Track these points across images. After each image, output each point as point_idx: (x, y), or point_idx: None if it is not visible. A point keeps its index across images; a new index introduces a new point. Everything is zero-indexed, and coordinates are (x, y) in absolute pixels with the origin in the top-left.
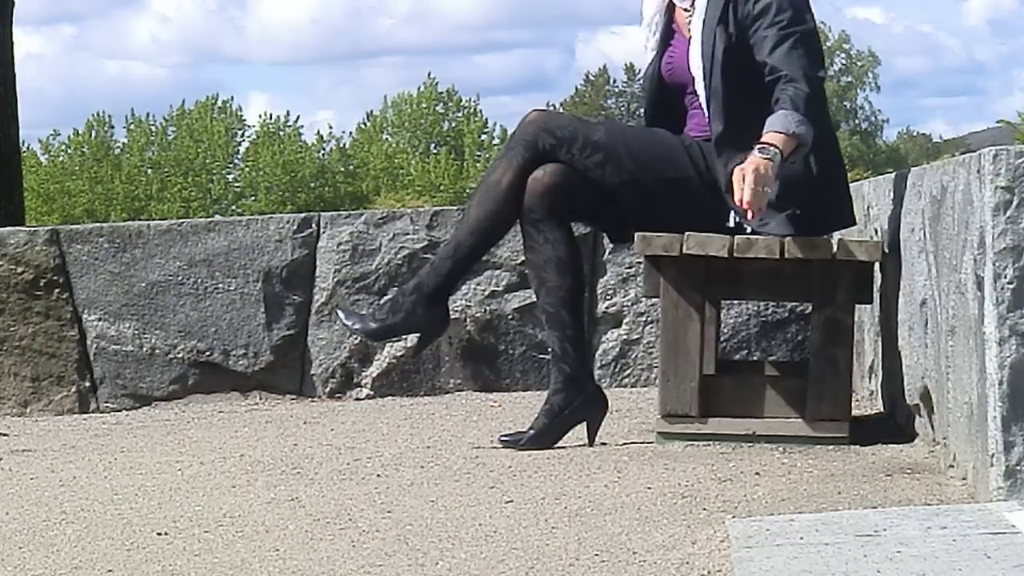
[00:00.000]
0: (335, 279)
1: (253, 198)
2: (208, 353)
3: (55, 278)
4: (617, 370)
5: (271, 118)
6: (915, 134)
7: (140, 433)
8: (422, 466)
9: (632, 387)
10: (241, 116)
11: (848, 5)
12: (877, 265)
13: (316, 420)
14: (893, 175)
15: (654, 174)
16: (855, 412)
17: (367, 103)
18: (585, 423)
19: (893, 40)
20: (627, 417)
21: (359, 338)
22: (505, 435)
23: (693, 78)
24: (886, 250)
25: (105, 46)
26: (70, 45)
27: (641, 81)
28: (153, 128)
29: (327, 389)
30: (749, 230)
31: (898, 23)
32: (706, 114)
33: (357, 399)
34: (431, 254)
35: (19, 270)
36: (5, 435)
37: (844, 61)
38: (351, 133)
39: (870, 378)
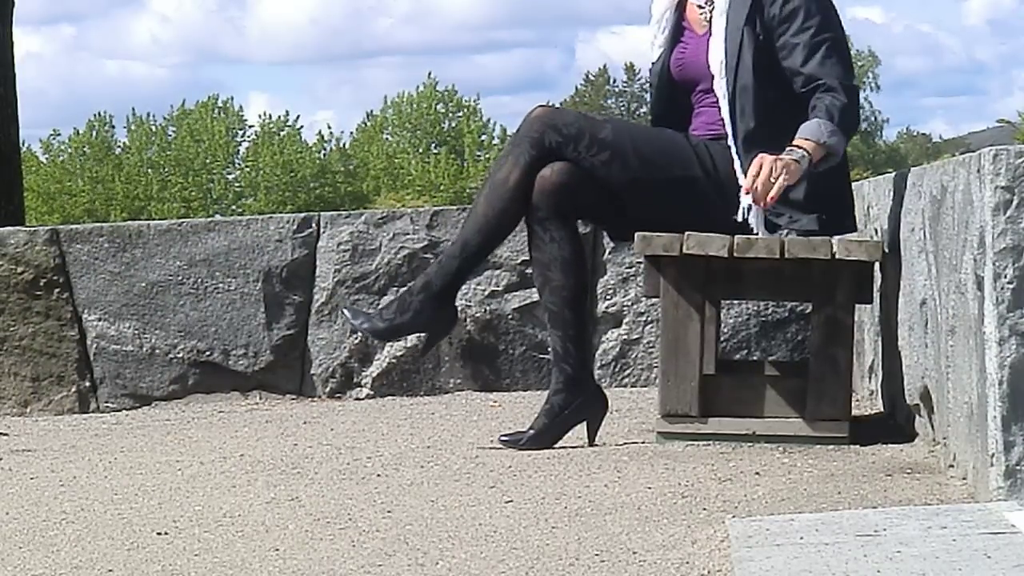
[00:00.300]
0: (335, 279)
1: (253, 198)
2: (208, 353)
3: (55, 278)
4: (617, 370)
5: (270, 118)
6: (915, 134)
7: (140, 433)
8: (422, 466)
9: (632, 387)
10: (242, 116)
11: (848, 5)
12: (877, 265)
13: (316, 420)
14: (893, 175)
15: (660, 173)
16: (855, 412)
17: (367, 103)
18: (585, 423)
19: (893, 40)
20: (627, 417)
21: (367, 338)
22: (505, 435)
23: (712, 76)
24: (886, 250)
25: (105, 46)
26: (70, 45)
27: (647, 77)
28: (153, 128)
29: (327, 389)
30: (756, 231)
31: (898, 23)
32: (720, 112)
33: (357, 399)
34: (431, 254)
35: (19, 270)
36: (5, 435)
37: None
38: (351, 133)
39: (870, 378)
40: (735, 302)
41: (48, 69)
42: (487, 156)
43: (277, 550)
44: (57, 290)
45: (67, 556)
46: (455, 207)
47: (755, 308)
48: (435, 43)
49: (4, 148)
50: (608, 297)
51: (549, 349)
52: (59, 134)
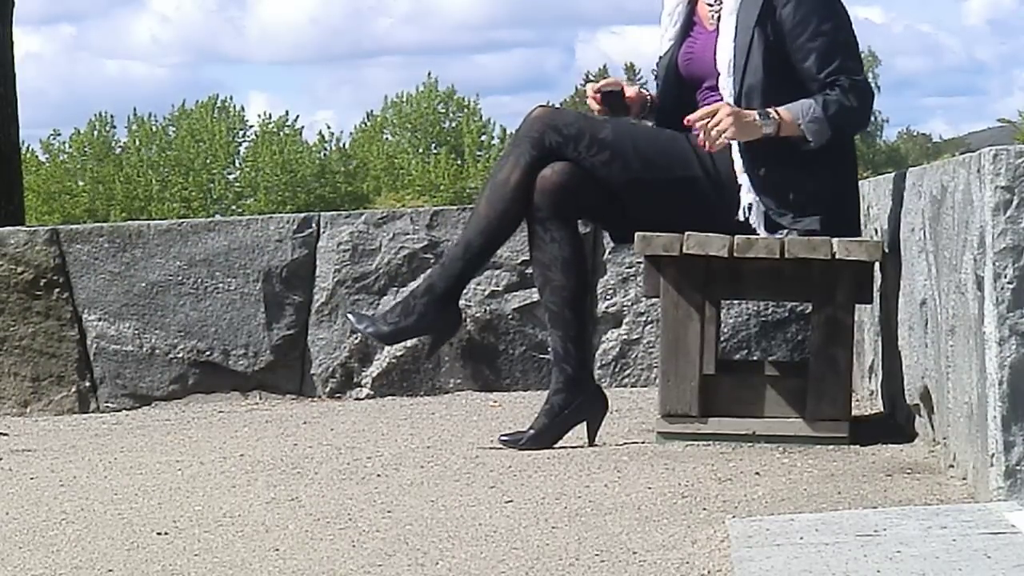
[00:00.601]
0: (335, 279)
1: (253, 198)
2: (208, 353)
3: (55, 278)
4: (617, 370)
5: (269, 118)
6: (915, 134)
7: (140, 433)
8: (422, 466)
9: (632, 387)
10: (242, 116)
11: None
12: (877, 265)
13: (316, 420)
14: (893, 175)
15: (661, 173)
16: (855, 412)
17: (367, 103)
18: (585, 423)
19: (893, 40)
20: (627, 417)
21: (371, 341)
22: (505, 435)
23: (719, 74)
24: (886, 250)
25: (105, 46)
26: (70, 45)
27: (654, 69)
28: (154, 128)
29: (327, 389)
30: (757, 231)
31: (898, 23)
32: None
33: (357, 399)
34: (431, 254)
35: (19, 270)
36: (5, 435)
37: None
38: (351, 133)
39: (870, 378)
40: (735, 302)
41: (48, 69)
42: (487, 156)
43: (277, 550)
44: (57, 290)
45: (67, 556)
46: (455, 207)
47: (755, 308)
48: (435, 43)
49: (4, 148)
50: (608, 297)
51: (549, 349)
52: (59, 134)
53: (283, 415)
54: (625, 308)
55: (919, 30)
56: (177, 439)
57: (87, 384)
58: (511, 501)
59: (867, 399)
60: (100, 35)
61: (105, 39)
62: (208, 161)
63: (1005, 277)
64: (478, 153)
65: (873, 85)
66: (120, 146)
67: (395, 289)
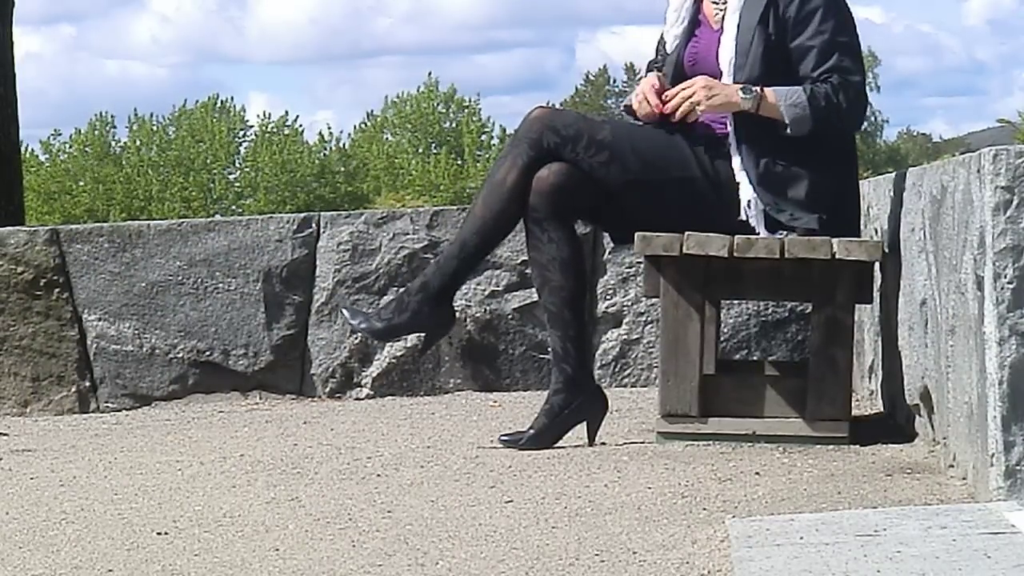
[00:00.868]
0: (335, 279)
1: (253, 198)
2: (208, 353)
3: (55, 278)
4: (617, 370)
5: (268, 118)
6: (915, 134)
7: (140, 433)
8: (422, 466)
9: (632, 387)
10: (243, 116)
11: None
12: (877, 265)
13: (316, 420)
14: (893, 175)
15: (659, 173)
16: (855, 412)
17: (367, 103)
18: (585, 423)
19: (893, 40)
20: (627, 417)
21: (364, 337)
22: (505, 435)
23: (721, 72)
24: (886, 250)
25: (105, 46)
26: (70, 45)
27: (655, 62)
28: (154, 128)
29: (327, 389)
30: (756, 230)
31: (898, 23)
32: None
33: (357, 399)
34: (431, 254)
35: (19, 270)
36: (5, 435)
37: None
38: (350, 134)
39: (870, 378)
40: (735, 302)
41: (48, 69)
42: (487, 156)
43: (277, 550)
44: (57, 290)
45: (67, 556)
46: (455, 207)
47: (755, 308)
48: (435, 43)
49: (4, 148)
50: (608, 297)
51: (549, 349)
52: (59, 134)
53: (283, 415)
54: (625, 308)
55: (919, 30)
56: (177, 439)
57: (87, 384)
58: (511, 501)
59: (867, 399)
60: (100, 35)
61: (105, 39)
62: (208, 161)
63: (1005, 277)
64: (478, 153)
65: (873, 85)
66: (120, 146)
67: (395, 289)
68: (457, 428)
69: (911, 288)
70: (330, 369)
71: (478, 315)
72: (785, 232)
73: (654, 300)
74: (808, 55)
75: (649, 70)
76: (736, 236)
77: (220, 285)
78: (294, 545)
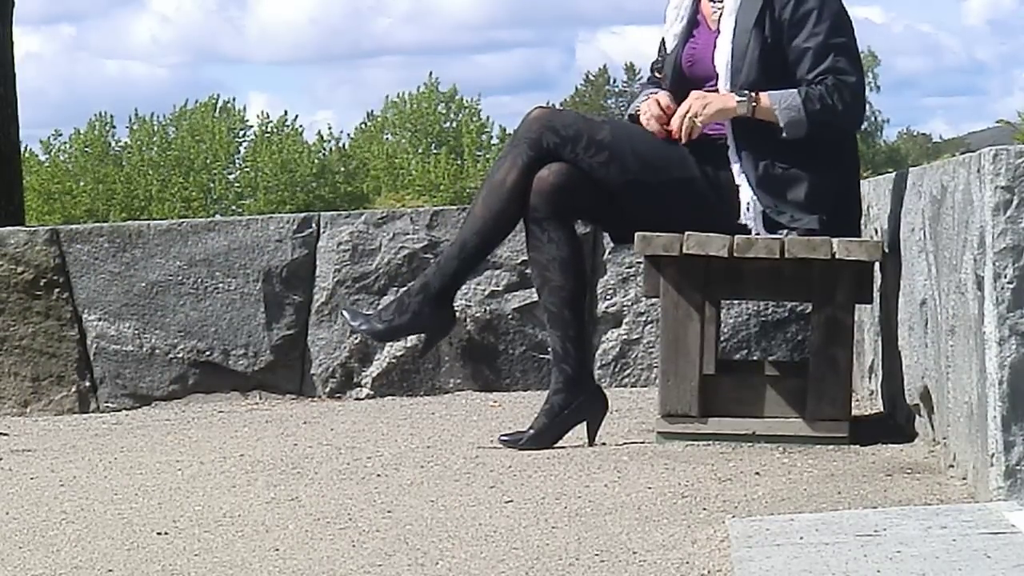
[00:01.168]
0: (335, 279)
1: (253, 198)
2: (208, 353)
3: (55, 278)
4: (617, 370)
5: (268, 118)
6: (915, 134)
7: (140, 433)
8: (422, 466)
9: (632, 387)
10: (243, 116)
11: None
12: (877, 265)
13: (316, 420)
14: (893, 175)
15: (658, 174)
16: (855, 412)
17: (367, 103)
18: (585, 423)
19: (893, 40)
20: (627, 417)
21: (365, 339)
22: (505, 435)
23: (717, 75)
24: (886, 250)
25: (105, 46)
26: (70, 45)
27: (656, 63)
28: (154, 128)
29: (327, 389)
30: (755, 230)
31: (898, 23)
32: None
33: (357, 399)
34: (431, 254)
35: (19, 270)
36: (5, 435)
37: None
38: (350, 134)
39: (870, 378)
40: (735, 302)
41: (48, 69)
42: (487, 156)
43: (277, 550)
44: (57, 290)
45: (67, 556)
46: (455, 207)
47: (755, 308)
48: (435, 43)
49: (4, 148)
50: (608, 297)
51: (549, 349)
52: (60, 134)
53: (283, 415)
54: (625, 308)
55: (919, 30)
56: (177, 439)
57: (87, 384)
58: (511, 501)
59: (867, 399)
60: (100, 35)
61: (105, 39)
62: (208, 161)
63: (1005, 277)
64: (478, 153)
65: (873, 85)
66: (120, 146)
67: (395, 289)
68: (457, 428)
69: (911, 288)
70: (330, 369)
71: (478, 315)
72: (785, 232)
73: (654, 300)
74: (804, 57)
75: (652, 71)
76: (736, 236)
77: (220, 285)
78: (294, 545)
